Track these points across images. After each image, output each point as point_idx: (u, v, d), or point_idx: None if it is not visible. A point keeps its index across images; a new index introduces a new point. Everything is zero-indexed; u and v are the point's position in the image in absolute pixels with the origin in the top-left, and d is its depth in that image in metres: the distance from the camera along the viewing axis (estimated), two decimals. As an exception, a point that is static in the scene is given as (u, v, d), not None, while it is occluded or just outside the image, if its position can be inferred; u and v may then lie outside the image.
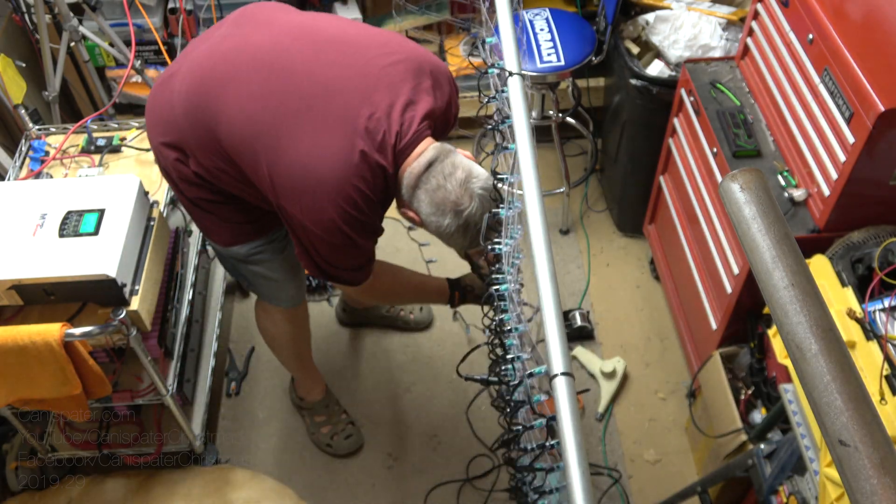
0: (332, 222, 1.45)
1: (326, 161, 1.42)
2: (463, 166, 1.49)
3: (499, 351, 1.38)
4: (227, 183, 1.59)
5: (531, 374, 1.17)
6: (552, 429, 1.17)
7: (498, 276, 1.37)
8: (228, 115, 1.47)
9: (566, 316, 2.52)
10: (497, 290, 1.35)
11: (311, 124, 1.43)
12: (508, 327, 1.32)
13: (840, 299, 1.49)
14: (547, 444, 1.18)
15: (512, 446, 1.36)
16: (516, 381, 1.26)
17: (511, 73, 1.25)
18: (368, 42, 1.52)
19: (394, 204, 1.61)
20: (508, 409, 1.30)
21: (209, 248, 2.39)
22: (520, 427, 1.24)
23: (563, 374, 0.92)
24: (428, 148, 1.48)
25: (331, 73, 1.46)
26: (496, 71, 1.32)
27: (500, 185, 1.26)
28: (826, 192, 1.65)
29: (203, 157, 1.55)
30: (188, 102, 1.52)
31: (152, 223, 1.75)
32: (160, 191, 1.96)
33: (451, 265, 2.44)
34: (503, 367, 1.33)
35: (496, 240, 1.36)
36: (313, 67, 1.46)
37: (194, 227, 2.21)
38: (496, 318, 1.37)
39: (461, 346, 2.46)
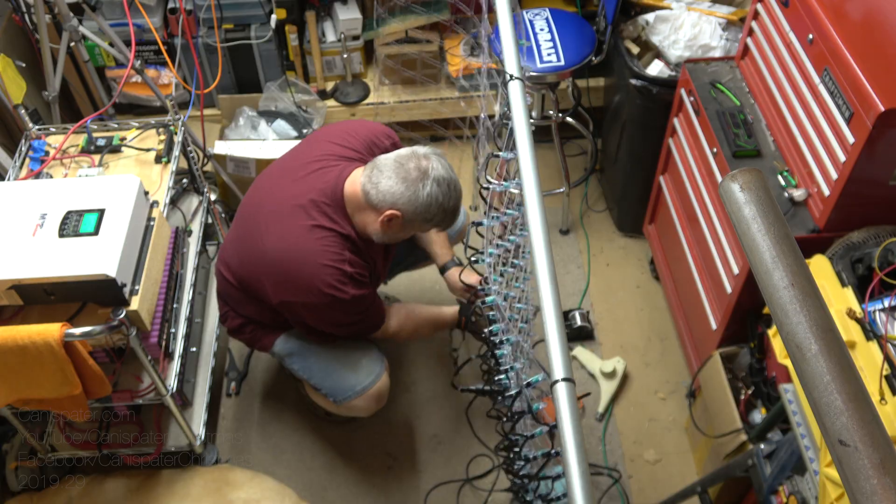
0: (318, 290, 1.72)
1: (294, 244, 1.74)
2: (389, 156, 1.72)
3: (491, 362, 1.37)
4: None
5: (529, 384, 1.17)
6: (554, 435, 1.17)
7: (484, 286, 1.37)
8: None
9: (566, 316, 2.52)
10: (483, 301, 1.35)
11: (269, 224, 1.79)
12: (499, 338, 1.31)
13: (840, 299, 1.49)
14: (552, 451, 1.18)
15: (511, 455, 1.36)
16: (514, 392, 1.25)
17: (512, 77, 1.24)
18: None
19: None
20: (506, 419, 1.29)
21: (208, 248, 2.39)
22: (519, 437, 1.24)
23: (564, 379, 0.91)
24: (354, 170, 1.77)
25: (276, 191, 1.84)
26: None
27: (500, 188, 1.26)
28: (826, 192, 1.65)
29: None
30: None
31: (152, 223, 1.75)
32: (160, 191, 1.96)
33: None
34: (497, 378, 1.33)
35: (480, 250, 1.35)
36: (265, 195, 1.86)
37: (194, 227, 2.21)
38: (487, 329, 1.37)
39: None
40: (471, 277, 1.95)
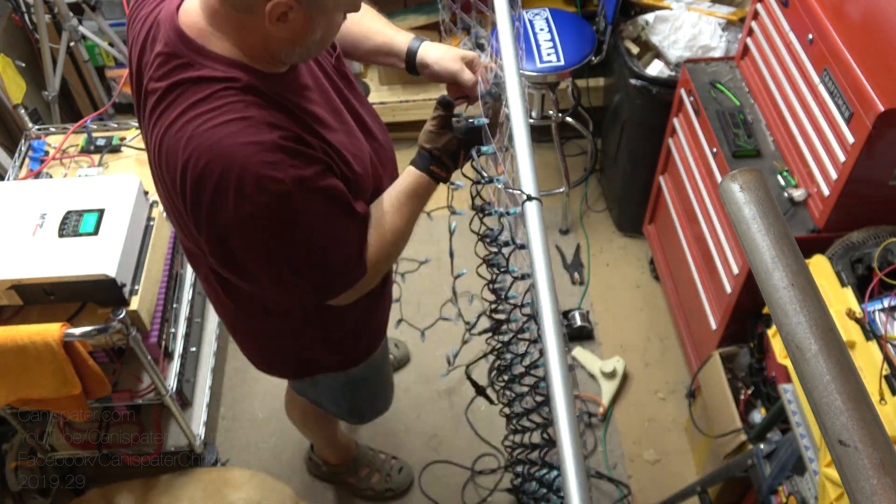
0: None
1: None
2: None
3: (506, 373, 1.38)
4: None
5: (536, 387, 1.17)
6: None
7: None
8: None
9: (566, 316, 2.52)
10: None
11: None
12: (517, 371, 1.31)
13: (840, 299, 1.49)
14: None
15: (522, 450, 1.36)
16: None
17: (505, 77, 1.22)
18: None
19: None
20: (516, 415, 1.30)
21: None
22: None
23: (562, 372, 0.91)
24: None
25: None
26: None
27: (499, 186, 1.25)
28: (826, 192, 1.65)
29: None
30: None
31: (152, 223, 1.75)
32: (160, 191, 1.96)
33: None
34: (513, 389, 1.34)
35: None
36: None
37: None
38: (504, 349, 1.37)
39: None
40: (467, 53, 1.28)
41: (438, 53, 1.31)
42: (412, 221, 1.27)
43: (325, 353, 1.46)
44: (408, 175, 1.25)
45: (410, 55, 1.33)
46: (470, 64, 1.29)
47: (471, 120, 1.21)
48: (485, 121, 1.15)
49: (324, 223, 1.10)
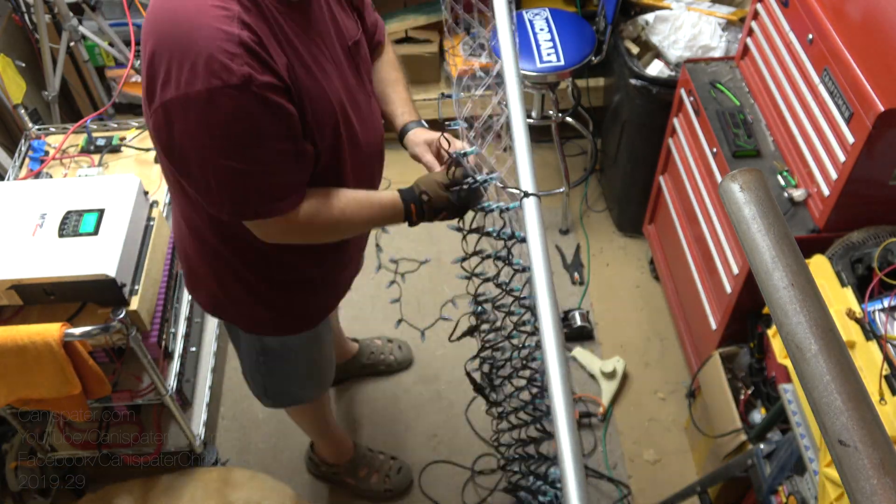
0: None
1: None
2: None
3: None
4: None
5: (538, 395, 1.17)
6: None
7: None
8: None
9: (566, 316, 2.52)
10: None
11: None
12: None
13: (840, 299, 1.49)
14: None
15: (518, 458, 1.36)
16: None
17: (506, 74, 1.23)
18: None
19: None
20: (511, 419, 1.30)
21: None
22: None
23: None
24: None
25: None
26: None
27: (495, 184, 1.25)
28: (826, 192, 1.65)
29: None
30: None
31: (152, 223, 1.75)
32: (160, 191, 1.96)
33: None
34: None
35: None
36: None
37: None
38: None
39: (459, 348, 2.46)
40: (455, 142, 1.34)
41: (420, 137, 1.42)
42: (364, 222, 1.34)
43: (241, 295, 1.45)
44: (390, 193, 1.31)
45: (405, 129, 1.45)
46: (437, 150, 1.38)
47: (471, 179, 1.26)
48: (486, 177, 1.22)
49: (260, 134, 1.09)
